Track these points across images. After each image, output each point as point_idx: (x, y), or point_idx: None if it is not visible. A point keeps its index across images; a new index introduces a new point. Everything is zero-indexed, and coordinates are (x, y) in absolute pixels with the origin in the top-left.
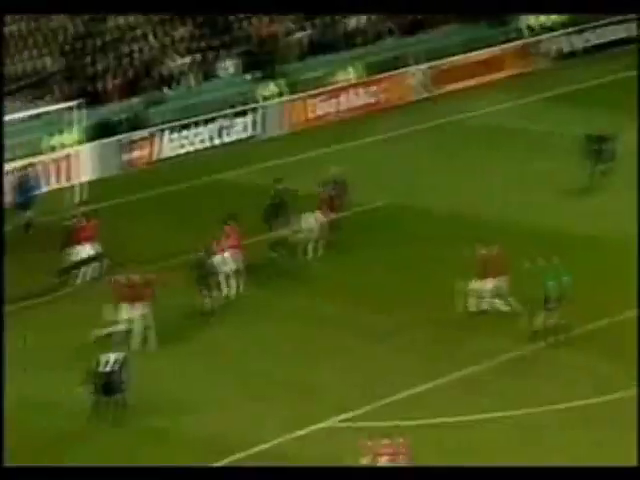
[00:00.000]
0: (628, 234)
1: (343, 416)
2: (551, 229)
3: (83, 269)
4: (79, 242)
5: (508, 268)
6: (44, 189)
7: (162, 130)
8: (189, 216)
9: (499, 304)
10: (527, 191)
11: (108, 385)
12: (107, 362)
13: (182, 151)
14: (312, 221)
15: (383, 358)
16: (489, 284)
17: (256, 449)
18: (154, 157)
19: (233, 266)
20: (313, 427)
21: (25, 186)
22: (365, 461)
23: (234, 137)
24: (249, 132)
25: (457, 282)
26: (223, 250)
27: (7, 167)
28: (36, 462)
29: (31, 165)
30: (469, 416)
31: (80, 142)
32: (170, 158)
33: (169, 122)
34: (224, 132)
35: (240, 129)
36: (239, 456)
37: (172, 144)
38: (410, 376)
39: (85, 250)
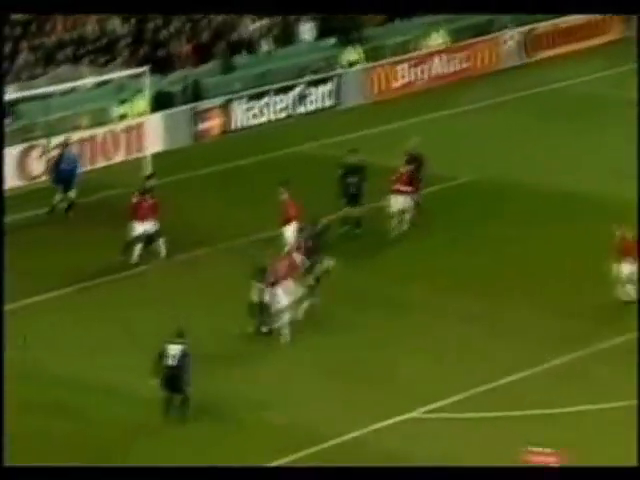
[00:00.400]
0: None
1: (429, 407)
2: None
3: (137, 247)
4: (135, 219)
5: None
6: (112, 160)
7: (236, 99)
8: (262, 191)
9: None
10: (627, 165)
11: (171, 380)
12: (173, 355)
13: (257, 121)
14: (395, 202)
15: (472, 345)
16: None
17: (336, 441)
18: (227, 128)
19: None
20: (397, 418)
21: (59, 166)
22: None
23: (313, 106)
24: (329, 101)
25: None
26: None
27: (71, 137)
28: (101, 455)
29: (68, 143)
30: (566, 408)
31: (148, 111)
32: (244, 129)
33: (243, 90)
34: (302, 101)
35: (319, 98)
36: (318, 448)
37: (246, 114)
38: (502, 364)
39: (140, 228)
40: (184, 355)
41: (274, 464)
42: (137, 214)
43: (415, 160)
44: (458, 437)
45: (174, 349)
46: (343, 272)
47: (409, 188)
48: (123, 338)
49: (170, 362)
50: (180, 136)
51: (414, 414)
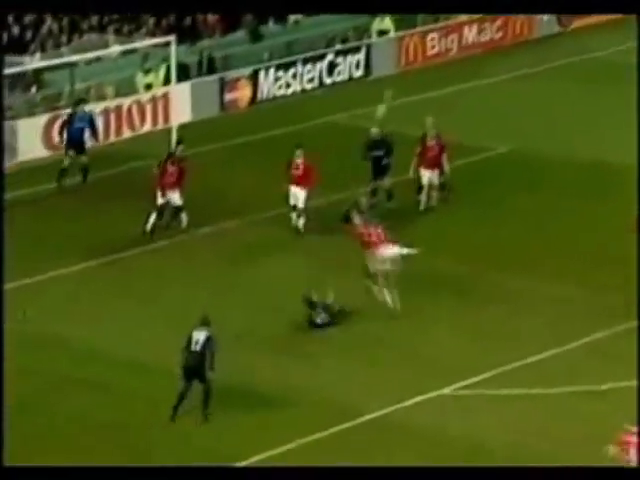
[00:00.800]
0: None
1: (460, 383)
2: None
3: (152, 217)
4: (159, 187)
5: None
6: (138, 131)
7: (264, 69)
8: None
9: None
10: None
11: (193, 367)
12: (196, 341)
13: (285, 92)
14: (424, 175)
15: (505, 321)
16: None
17: (365, 418)
18: (255, 98)
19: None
20: (426, 395)
21: (72, 125)
22: (612, 451)
23: (342, 77)
24: (359, 71)
25: None
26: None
27: (96, 107)
28: (122, 429)
29: (82, 101)
30: (600, 385)
31: (175, 81)
32: (272, 99)
33: (271, 60)
34: (331, 71)
35: (349, 68)
36: (347, 425)
37: (275, 84)
38: (534, 340)
39: (160, 198)
40: (207, 341)
41: (307, 440)
42: (161, 182)
43: (437, 140)
44: (490, 413)
45: (198, 335)
46: None
47: (437, 164)
48: (147, 311)
49: (193, 348)
50: (207, 106)
51: (446, 391)
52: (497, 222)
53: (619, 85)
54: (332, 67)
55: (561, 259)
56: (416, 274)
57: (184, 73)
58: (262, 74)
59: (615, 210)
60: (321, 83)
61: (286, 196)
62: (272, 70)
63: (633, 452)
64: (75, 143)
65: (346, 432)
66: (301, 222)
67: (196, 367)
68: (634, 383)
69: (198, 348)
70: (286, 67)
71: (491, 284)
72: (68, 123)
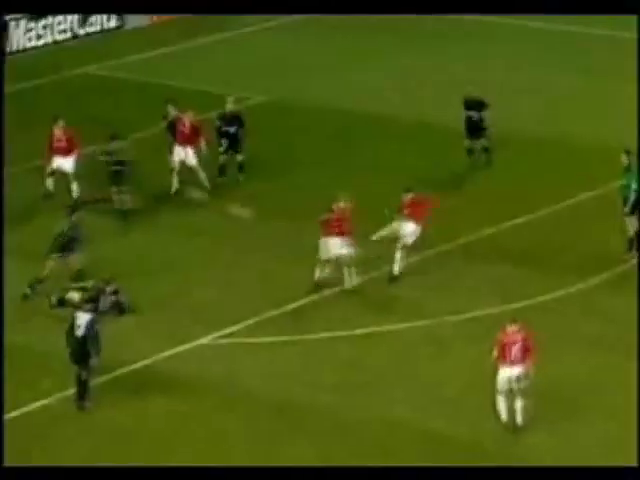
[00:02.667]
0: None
1: (219, 333)
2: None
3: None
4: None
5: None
6: None
7: (14, 20)
8: (42, 117)
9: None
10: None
11: (73, 354)
12: (79, 325)
13: (37, 43)
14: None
15: (263, 269)
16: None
17: (125, 370)
18: (5, 49)
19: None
20: (186, 345)
21: None
22: (495, 352)
23: (96, 28)
24: (113, 22)
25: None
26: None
27: None
28: None
29: None
30: (365, 328)
31: None
32: (23, 51)
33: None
34: (85, 22)
35: (103, 19)
36: (106, 378)
37: (25, 35)
38: (296, 288)
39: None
40: (90, 324)
41: (65, 394)
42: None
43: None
44: (251, 361)
45: (80, 318)
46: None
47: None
48: None
49: (77, 332)
50: None
51: (205, 340)
52: (259, 173)
53: (370, 32)
54: (85, 18)
55: (316, 208)
56: (177, 224)
57: None
58: (12, 25)
59: (369, 158)
60: (73, 34)
61: (51, 170)
62: (23, 21)
63: (515, 352)
64: None
65: (106, 384)
66: (74, 189)
67: (80, 352)
68: (387, 328)
69: (79, 332)
70: (37, 18)
71: (254, 236)
72: None
